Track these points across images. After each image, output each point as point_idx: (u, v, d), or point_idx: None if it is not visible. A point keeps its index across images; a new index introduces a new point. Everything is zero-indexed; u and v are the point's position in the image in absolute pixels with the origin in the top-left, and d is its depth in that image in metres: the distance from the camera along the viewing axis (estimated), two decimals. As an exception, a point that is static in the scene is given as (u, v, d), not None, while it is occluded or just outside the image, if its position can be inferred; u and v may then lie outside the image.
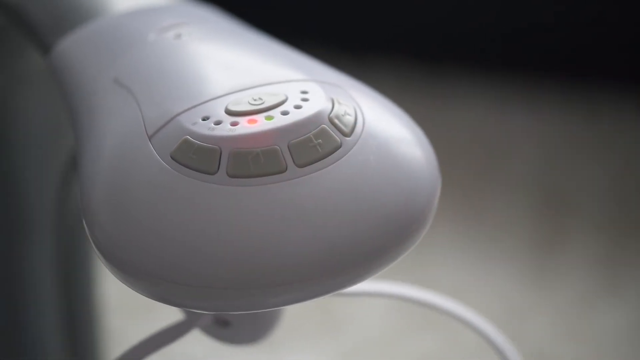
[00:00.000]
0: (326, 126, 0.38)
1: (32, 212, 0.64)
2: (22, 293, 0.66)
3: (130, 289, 0.38)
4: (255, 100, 0.39)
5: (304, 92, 0.39)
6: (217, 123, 0.38)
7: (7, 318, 0.66)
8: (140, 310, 0.94)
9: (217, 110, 0.39)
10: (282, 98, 0.39)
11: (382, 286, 0.50)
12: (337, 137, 0.38)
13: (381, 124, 0.40)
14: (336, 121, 0.38)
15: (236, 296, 0.36)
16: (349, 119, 0.39)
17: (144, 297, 0.38)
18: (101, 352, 0.73)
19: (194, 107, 0.39)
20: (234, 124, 0.38)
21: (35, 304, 0.67)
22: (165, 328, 0.44)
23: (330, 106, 0.39)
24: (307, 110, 0.38)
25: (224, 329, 0.46)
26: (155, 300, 0.38)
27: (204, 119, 0.38)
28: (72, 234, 0.67)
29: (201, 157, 0.37)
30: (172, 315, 0.45)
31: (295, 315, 1.15)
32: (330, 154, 0.38)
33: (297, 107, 0.39)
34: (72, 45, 0.47)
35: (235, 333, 0.46)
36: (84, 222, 0.39)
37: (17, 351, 0.67)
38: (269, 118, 0.38)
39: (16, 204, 0.64)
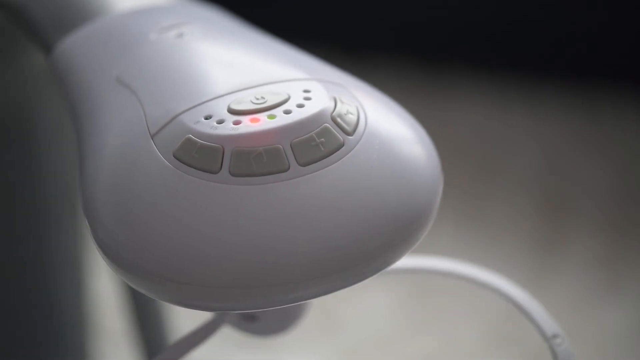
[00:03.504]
0: (329, 125, 0.38)
1: (52, 208, 0.65)
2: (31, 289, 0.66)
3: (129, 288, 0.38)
4: (257, 99, 0.39)
5: (307, 91, 0.39)
6: (220, 122, 0.38)
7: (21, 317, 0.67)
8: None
9: (220, 109, 0.39)
10: (284, 97, 0.39)
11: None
12: (339, 136, 0.38)
13: (383, 123, 0.40)
14: (339, 120, 0.38)
15: (239, 295, 0.36)
16: (352, 118, 0.39)
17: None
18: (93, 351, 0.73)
19: (197, 105, 0.39)
20: (236, 122, 0.38)
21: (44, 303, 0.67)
22: (197, 328, 0.44)
23: (332, 105, 0.39)
24: (310, 109, 0.38)
25: (253, 323, 0.46)
26: (158, 299, 0.38)
27: (206, 118, 0.38)
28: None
29: (204, 156, 0.37)
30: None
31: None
32: (332, 153, 0.38)
33: (300, 106, 0.39)
34: (73, 45, 0.47)
35: (263, 326, 0.46)
36: (86, 221, 0.39)
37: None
38: (272, 117, 0.38)
39: (34, 200, 0.64)
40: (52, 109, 0.63)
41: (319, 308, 1.11)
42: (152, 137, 0.38)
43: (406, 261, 0.48)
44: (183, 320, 0.61)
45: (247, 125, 0.38)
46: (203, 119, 0.38)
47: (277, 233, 0.36)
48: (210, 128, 0.38)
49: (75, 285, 0.71)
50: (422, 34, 1.47)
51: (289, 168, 0.37)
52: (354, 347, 1.11)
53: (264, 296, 0.36)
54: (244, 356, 1.01)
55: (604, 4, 1.39)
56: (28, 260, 0.65)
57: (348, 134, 0.38)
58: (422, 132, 0.41)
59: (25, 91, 0.62)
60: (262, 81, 0.40)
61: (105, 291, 0.94)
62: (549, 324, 0.46)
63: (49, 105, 0.63)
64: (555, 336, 0.45)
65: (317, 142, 0.38)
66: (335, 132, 0.38)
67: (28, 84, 0.62)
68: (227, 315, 0.45)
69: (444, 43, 1.48)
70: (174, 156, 0.37)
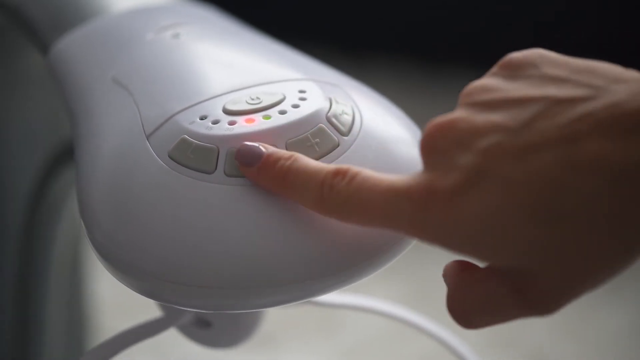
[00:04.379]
0: (324, 125, 0.38)
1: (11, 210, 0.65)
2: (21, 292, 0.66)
3: (126, 289, 0.38)
4: (253, 99, 0.39)
5: (302, 92, 0.39)
6: (215, 122, 0.38)
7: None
8: (135, 310, 0.94)
9: (215, 109, 0.39)
10: (279, 97, 0.39)
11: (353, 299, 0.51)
12: (334, 136, 0.38)
13: (379, 124, 0.40)
14: (334, 120, 0.38)
15: (233, 295, 0.36)
16: (347, 118, 0.39)
17: (141, 297, 0.38)
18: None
19: (192, 106, 0.39)
20: (231, 123, 0.38)
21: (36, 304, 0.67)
22: (143, 324, 0.44)
23: (327, 105, 0.39)
24: (305, 110, 0.38)
25: (204, 330, 0.45)
26: (153, 299, 0.38)
27: (201, 118, 0.38)
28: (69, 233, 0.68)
29: (199, 156, 0.37)
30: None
31: (295, 315, 1.15)
32: (327, 153, 0.38)
33: (295, 106, 0.39)
34: (70, 45, 0.47)
35: (215, 335, 0.46)
36: (82, 221, 0.39)
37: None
38: (267, 117, 0.38)
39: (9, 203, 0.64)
40: (46, 108, 0.63)
41: (319, 308, 1.11)
42: (148, 137, 0.38)
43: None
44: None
45: (243, 125, 0.38)
46: (198, 119, 0.38)
47: (273, 233, 0.36)
48: (205, 128, 0.38)
49: (74, 286, 0.71)
50: (422, 34, 1.47)
51: None
52: (353, 347, 1.11)
53: (257, 296, 0.36)
54: (243, 356, 1.01)
55: (605, 4, 1.39)
56: (25, 261, 0.65)
57: (343, 134, 0.38)
58: (417, 132, 0.41)
59: (17, 90, 0.62)
60: (257, 81, 0.40)
61: (105, 291, 0.94)
62: None
63: (41, 105, 0.63)
64: None
65: (312, 142, 0.38)
66: (331, 133, 0.38)
67: (22, 83, 0.62)
68: (179, 317, 0.44)
69: (444, 43, 1.48)
70: (169, 156, 0.37)
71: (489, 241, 0.32)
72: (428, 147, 0.33)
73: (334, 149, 0.38)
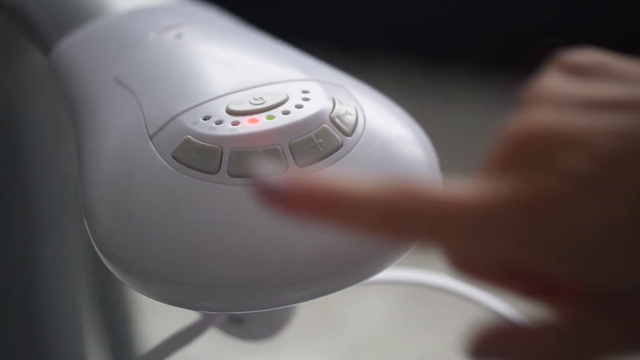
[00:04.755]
0: (327, 126, 0.38)
1: (48, 210, 0.64)
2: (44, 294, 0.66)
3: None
4: (256, 99, 0.39)
5: (305, 92, 0.39)
6: (218, 122, 0.38)
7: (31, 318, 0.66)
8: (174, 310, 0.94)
9: (218, 109, 0.39)
10: (283, 97, 0.39)
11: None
12: (338, 136, 0.38)
13: (382, 124, 0.40)
14: (337, 121, 0.38)
15: (237, 296, 0.36)
16: (350, 119, 0.39)
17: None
18: (138, 353, 0.73)
19: (195, 106, 0.39)
20: (235, 123, 0.38)
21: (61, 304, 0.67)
22: (184, 328, 0.44)
23: (331, 106, 0.39)
24: (308, 110, 0.38)
25: (239, 327, 0.46)
26: (156, 299, 0.37)
27: (205, 119, 0.38)
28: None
29: (202, 156, 0.37)
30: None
31: (295, 315, 1.15)
32: (331, 154, 0.38)
33: (298, 106, 0.39)
34: (73, 45, 0.47)
35: (250, 330, 0.46)
36: (85, 222, 0.39)
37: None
38: (270, 117, 0.38)
39: (29, 203, 0.64)
40: (48, 108, 0.63)
41: (318, 308, 1.11)
42: (151, 137, 0.38)
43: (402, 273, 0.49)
44: (165, 320, 0.61)
45: (246, 125, 0.38)
46: (202, 119, 0.38)
47: (276, 234, 0.36)
48: (208, 129, 0.38)
49: (73, 287, 0.71)
50: (422, 34, 1.47)
51: (287, 169, 0.37)
52: (353, 347, 1.11)
53: (262, 297, 0.36)
54: (244, 356, 1.01)
55: (606, 4, 1.39)
56: (23, 261, 0.65)
57: (347, 134, 0.38)
58: (420, 132, 0.41)
59: (19, 91, 0.62)
60: (260, 82, 0.40)
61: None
62: None
63: (44, 105, 0.63)
64: None
65: (316, 142, 0.37)
66: (334, 133, 0.38)
67: (23, 84, 0.62)
68: (215, 317, 0.45)
69: (444, 43, 1.48)
70: (172, 157, 0.37)
71: (606, 259, 0.27)
72: (519, 153, 0.29)
73: (338, 149, 0.38)
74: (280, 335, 0.47)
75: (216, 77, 0.41)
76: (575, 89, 0.30)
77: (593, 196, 0.28)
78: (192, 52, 0.43)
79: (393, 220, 0.28)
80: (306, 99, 0.39)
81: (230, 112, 0.38)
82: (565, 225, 0.27)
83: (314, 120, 0.38)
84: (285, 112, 0.38)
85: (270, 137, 0.37)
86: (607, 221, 0.27)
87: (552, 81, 0.31)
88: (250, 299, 0.36)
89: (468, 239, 0.28)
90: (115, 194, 0.38)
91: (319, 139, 0.38)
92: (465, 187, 0.29)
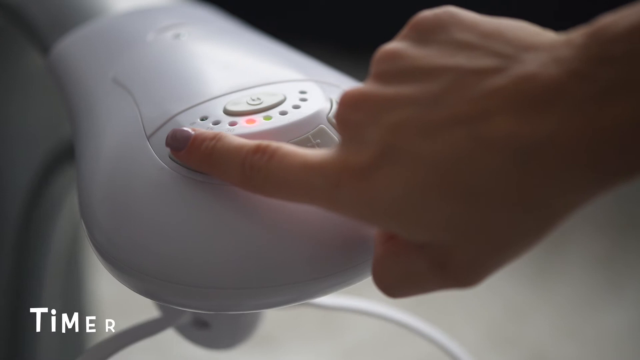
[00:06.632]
0: (324, 126, 0.38)
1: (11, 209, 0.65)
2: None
3: (125, 288, 0.38)
4: (253, 100, 0.39)
5: (303, 92, 0.39)
6: (216, 123, 0.38)
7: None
8: (135, 309, 0.94)
9: (216, 110, 0.39)
10: (280, 98, 0.39)
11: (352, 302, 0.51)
12: (335, 137, 0.38)
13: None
14: (334, 121, 0.38)
15: (233, 296, 0.36)
16: (348, 119, 0.39)
17: (140, 296, 0.38)
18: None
19: (193, 107, 0.39)
20: (232, 124, 0.38)
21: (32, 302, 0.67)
22: (141, 324, 0.44)
23: (328, 106, 0.39)
24: (306, 110, 0.38)
25: (202, 331, 0.45)
26: (153, 299, 0.37)
27: (202, 119, 0.38)
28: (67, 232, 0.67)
29: None
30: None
31: (295, 316, 1.15)
32: None
33: (296, 107, 0.39)
34: (71, 45, 0.47)
35: (213, 336, 0.46)
36: (82, 222, 0.39)
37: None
38: (268, 118, 0.38)
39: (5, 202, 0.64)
40: (45, 109, 0.63)
41: (318, 308, 1.11)
42: (148, 138, 0.38)
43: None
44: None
45: (243, 126, 0.38)
46: (199, 120, 0.38)
47: (274, 235, 0.36)
48: (206, 129, 0.38)
49: (72, 285, 0.71)
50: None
51: None
52: (353, 347, 1.11)
53: (258, 297, 0.36)
54: (244, 356, 1.01)
55: (606, 4, 1.38)
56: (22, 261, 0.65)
57: (344, 135, 0.38)
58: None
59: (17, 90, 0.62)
60: (258, 82, 0.40)
61: (103, 290, 0.94)
62: None
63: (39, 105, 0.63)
64: None
65: (313, 143, 0.37)
66: (331, 133, 0.38)
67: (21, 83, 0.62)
68: (177, 317, 0.44)
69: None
70: (170, 157, 0.37)
71: (403, 217, 0.32)
72: (342, 121, 0.33)
73: None
74: (241, 345, 0.47)
75: (214, 78, 0.41)
76: (404, 54, 0.33)
77: (383, 164, 0.32)
78: (189, 52, 0.43)
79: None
80: (303, 100, 0.39)
81: (228, 113, 0.38)
82: (362, 190, 0.32)
83: (311, 120, 0.38)
84: (283, 113, 0.38)
85: (267, 138, 0.37)
86: (395, 186, 0.32)
87: (394, 44, 0.34)
88: (245, 299, 0.36)
89: (295, 193, 0.33)
90: (112, 194, 0.38)
91: (317, 139, 0.38)
92: (316, 152, 0.33)
